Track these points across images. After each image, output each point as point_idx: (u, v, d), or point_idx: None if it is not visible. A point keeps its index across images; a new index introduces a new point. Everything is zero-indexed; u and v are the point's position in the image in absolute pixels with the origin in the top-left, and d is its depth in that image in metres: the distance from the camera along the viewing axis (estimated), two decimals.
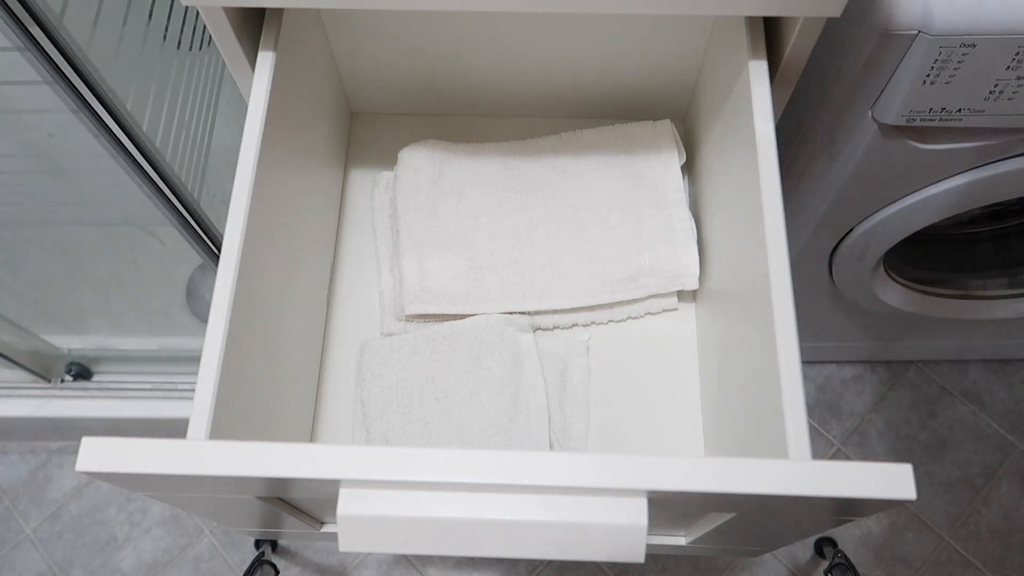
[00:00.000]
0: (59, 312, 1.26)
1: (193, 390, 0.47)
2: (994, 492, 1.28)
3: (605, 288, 0.69)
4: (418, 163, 0.72)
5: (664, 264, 0.68)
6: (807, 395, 0.46)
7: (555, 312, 0.70)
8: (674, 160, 0.72)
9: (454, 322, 0.69)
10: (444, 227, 0.70)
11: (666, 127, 0.74)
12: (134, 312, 1.28)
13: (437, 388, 0.66)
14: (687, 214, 0.70)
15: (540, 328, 0.71)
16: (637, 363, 0.70)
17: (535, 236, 0.70)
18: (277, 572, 1.24)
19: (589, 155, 0.73)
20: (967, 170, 0.77)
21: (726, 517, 0.47)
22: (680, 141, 0.73)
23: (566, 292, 0.69)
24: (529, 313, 0.70)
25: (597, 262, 0.69)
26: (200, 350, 0.48)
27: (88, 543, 1.30)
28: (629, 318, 0.71)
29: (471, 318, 0.69)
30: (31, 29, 0.62)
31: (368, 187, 0.77)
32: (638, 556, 0.42)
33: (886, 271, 1.02)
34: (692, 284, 0.68)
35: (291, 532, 0.64)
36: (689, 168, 0.75)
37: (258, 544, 1.25)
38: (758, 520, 0.49)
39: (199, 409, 0.47)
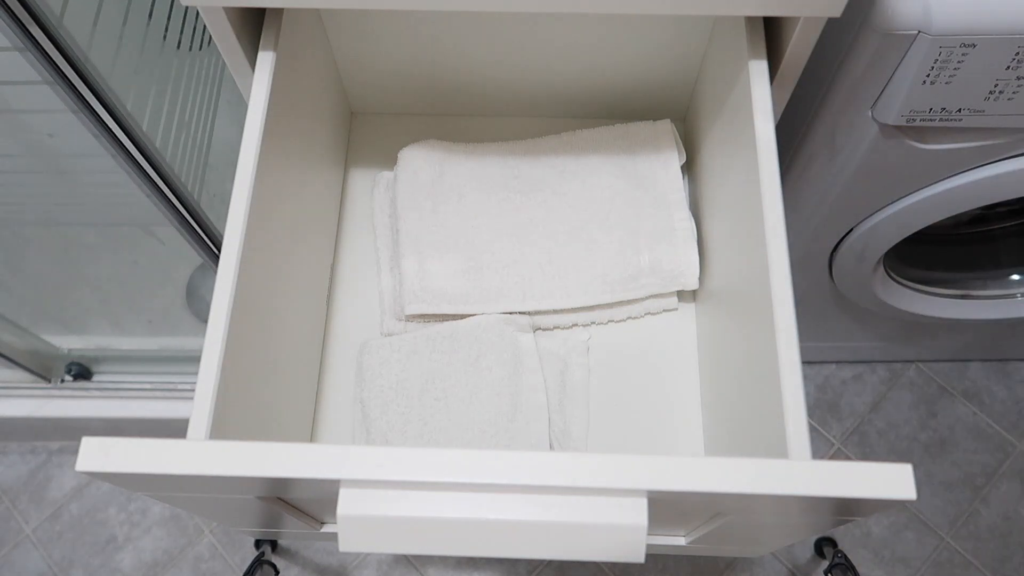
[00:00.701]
0: (59, 312, 1.26)
1: (193, 390, 0.47)
2: (994, 492, 1.28)
3: (605, 288, 0.69)
4: (418, 163, 0.72)
5: (664, 264, 0.68)
6: (807, 395, 0.46)
7: (555, 312, 0.70)
8: (674, 160, 0.72)
9: (454, 322, 0.68)
10: (444, 227, 0.70)
11: (666, 127, 0.74)
12: (134, 312, 1.28)
13: (437, 388, 0.66)
14: (687, 214, 0.70)
15: (540, 328, 0.71)
16: (637, 363, 0.70)
17: (535, 236, 0.70)
18: (277, 572, 1.24)
19: (589, 155, 0.73)
20: (967, 170, 0.77)
21: (726, 517, 0.47)
22: (680, 141, 0.73)
23: (566, 292, 0.69)
24: (529, 313, 0.70)
25: (597, 262, 0.69)
26: (200, 350, 0.48)
27: (88, 543, 1.30)
28: (629, 318, 0.71)
29: (471, 318, 0.69)
30: (31, 29, 0.62)
31: (368, 187, 0.77)
32: (638, 556, 0.42)
33: (886, 271, 1.02)
34: (692, 284, 0.68)
35: (291, 532, 0.64)
36: (689, 168, 0.75)
37: (258, 544, 1.25)
38: (758, 520, 0.49)
39: (199, 409, 0.47)
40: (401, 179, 0.72)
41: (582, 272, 0.69)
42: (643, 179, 0.72)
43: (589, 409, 0.68)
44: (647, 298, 0.70)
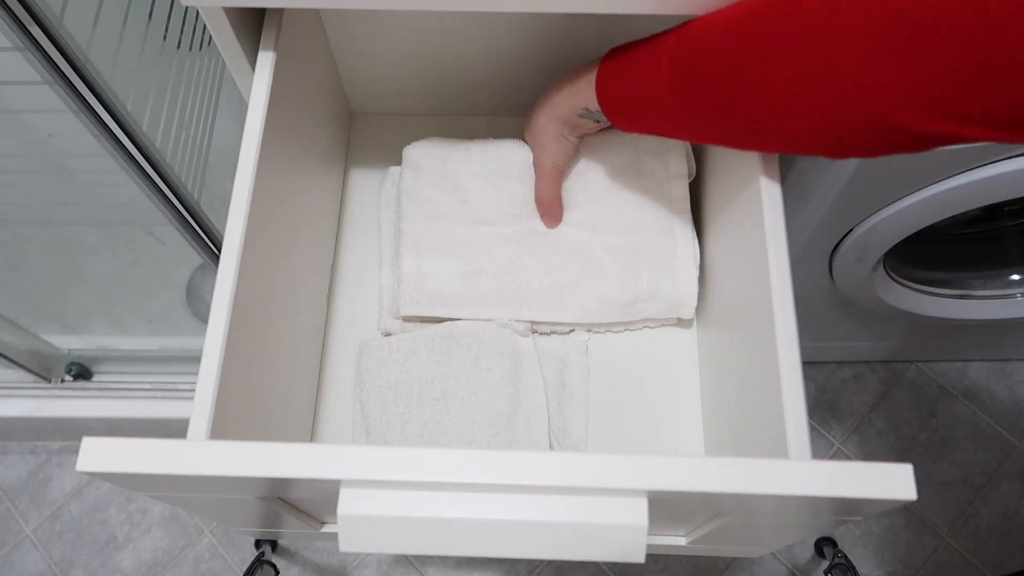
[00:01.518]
0: (59, 312, 1.26)
1: (193, 390, 0.47)
2: (994, 492, 1.28)
3: (602, 309, 0.68)
4: (423, 163, 0.72)
5: (663, 292, 0.67)
6: (807, 395, 0.46)
7: (552, 323, 0.70)
8: (683, 177, 0.70)
9: (453, 322, 0.68)
10: (446, 230, 0.70)
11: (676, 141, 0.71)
12: (134, 312, 1.28)
13: (436, 388, 0.66)
14: (691, 238, 0.68)
15: (538, 333, 0.71)
16: (637, 363, 0.70)
17: (536, 246, 0.69)
18: (277, 572, 1.24)
19: (594, 163, 0.72)
20: (967, 170, 0.77)
21: (726, 517, 0.47)
22: (691, 155, 0.70)
23: (563, 307, 0.68)
24: (526, 322, 0.69)
25: (596, 282, 0.67)
26: (200, 350, 0.48)
27: (88, 543, 1.30)
28: (626, 330, 0.71)
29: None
30: (31, 29, 0.62)
31: (368, 187, 0.77)
32: (639, 556, 0.42)
33: (886, 271, 1.02)
34: (688, 314, 0.67)
35: (291, 532, 0.64)
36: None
37: (258, 544, 1.26)
38: (758, 520, 0.49)
39: (199, 409, 0.47)
40: (406, 178, 0.72)
41: (580, 290, 0.68)
42: (649, 193, 0.70)
43: (588, 409, 0.68)
44: (644, 320, 0.70)
